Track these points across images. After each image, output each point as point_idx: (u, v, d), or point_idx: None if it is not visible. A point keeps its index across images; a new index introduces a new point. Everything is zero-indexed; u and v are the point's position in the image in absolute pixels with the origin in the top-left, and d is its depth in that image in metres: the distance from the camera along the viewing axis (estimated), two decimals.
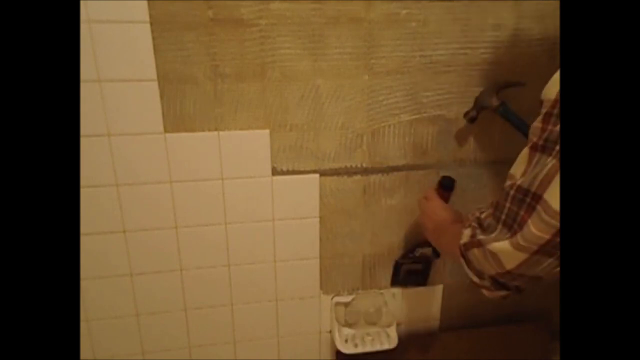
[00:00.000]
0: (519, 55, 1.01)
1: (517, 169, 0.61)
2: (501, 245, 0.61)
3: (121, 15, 0.85)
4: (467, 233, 0.70)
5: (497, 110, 0.97)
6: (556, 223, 0.54)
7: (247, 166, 0.99)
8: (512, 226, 0.60)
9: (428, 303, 1.21)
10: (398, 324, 1.17)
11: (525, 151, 0.60)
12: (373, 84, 0.99)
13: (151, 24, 0.87)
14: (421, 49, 0.98)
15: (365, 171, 1.05)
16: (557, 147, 0.54)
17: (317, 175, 1.03)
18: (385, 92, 1.00)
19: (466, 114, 1.01)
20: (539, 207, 0.56)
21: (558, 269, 0.60)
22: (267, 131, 0.98)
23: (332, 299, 1.15)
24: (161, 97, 0.92)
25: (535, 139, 0.58)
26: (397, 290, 1.17)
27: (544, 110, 0.58)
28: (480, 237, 0.65)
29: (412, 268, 1.14)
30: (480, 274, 0.69)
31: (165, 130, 0.94)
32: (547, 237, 0.56)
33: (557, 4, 0.97)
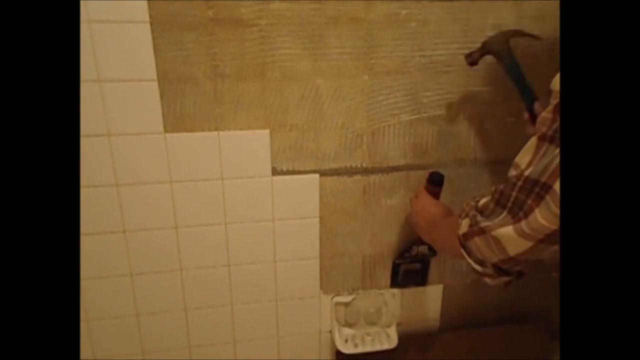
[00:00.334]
0: (519, 56, 1.01)
1: (523, 158, 0.60)
2: (505, 231, 0.61)
3: (121, 15, 0.85)
4: (465, 223, 0.70)
5: (503, 60, 0.90)
6: None
7: (247, 166, 0.99)
8: (518, 213, 0.60)
9: (428, 303, 1.21)
10: (398, 324, 1.17)
11: (533, 140, 0.59)
12: (373, 84, 0.99)
13: (151, 24, 0.87)
14: (421, 49, 0.98)
15: (365, 171, 1.05)
16: None
17: (317, 175, 1.03)
18: (385, 92, 1.00)
19: (468, 55, 0.93)
20: (547, 197, 0.56)
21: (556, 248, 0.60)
22: (267, 131, 0.98)
23: (332, 299, 1.15)
24: (161, 97, 0.92)
25: (544, 129, 0.57)
26: (397, 290, 1.17)
27: (554, 101, 0.57)
28: (483, 224, 0.65)
29: (410, 268, 1.14)
30: (481, 263, 0.69)
31: (165, 130, 0.94)
32: (553, 227, 0.56)
33: (557, 4, 0.97)
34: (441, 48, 0.98)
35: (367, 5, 0.93)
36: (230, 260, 1.06)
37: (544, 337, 1.22)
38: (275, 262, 1.09)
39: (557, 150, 0.55)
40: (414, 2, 0.94)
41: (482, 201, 0.69)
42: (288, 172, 1.02)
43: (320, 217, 1.07)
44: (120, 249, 1.01)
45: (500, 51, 0.90)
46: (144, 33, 0.87)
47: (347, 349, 1.12)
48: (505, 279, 0.70)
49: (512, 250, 0.62)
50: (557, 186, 0.55)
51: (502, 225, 0.62)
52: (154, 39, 0.88)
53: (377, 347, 1.12)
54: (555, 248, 0.59)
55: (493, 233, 0.63)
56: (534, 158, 0.59)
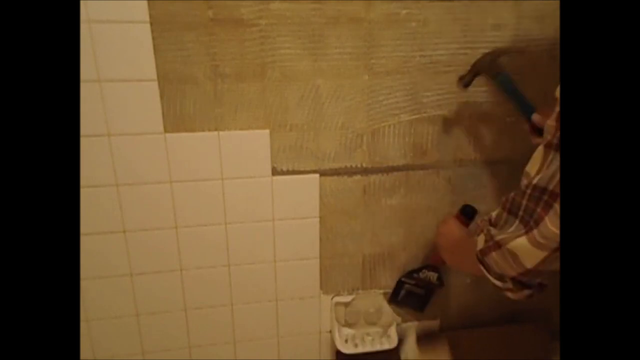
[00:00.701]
0: (519, 55, 1.01)
1: (533, 167, 0.61)
2: (520, 242, 0.61)
3: (121, 15, 0.85)
4: (481, 239, 0.70)
5: (495, 78, 0.91)
6: None
7: (247, 166, 0.99)
8: (529, 222, 0.60)
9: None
10: (398, 324, 1.17)
11: (540, 149, 0.60)
12: (373, 84, 0.99)
13: (151, 24, 0.87)
14: (421, 49, 0.98)
15: (365, 171, 1.05)
16: None
17: (317, 175, 1.03)
18: (385, 92, 1.00)
19: (461, 79, 0.95)
20: (556, 205, 0.56)
21: None
22: (267, 131, 0.98)
23: (332, 299, 1.15)
24: (161, 97, 0.92)
25: (549, 137, 0.58)
26: None
27: (558, 109, 0.57)
28: (498, 237, 0.65)
29: (413, 290, 1.13)
30: (501, 278, 0.69)
31: (165, 130, 0.94)
32: None
33: (557, 4, 0.97)
34: (441, 48, 0.98)
35: (367, 5, 0.93)
36: (230, 260, 1.06)
37: (544, 337, 1.22)
38: (275, 262, 1.09)
39: None
40: (414, 2, 0.94)
41: (494, 213, 0.69)
42: (288, 172, 1.02)
43: (320, 217, 1.07)
44: (120, 249, 1.01)
45: (491, 70, 0.91)
46: (144, 33, 0.87)
47: (347, 349, 1.12)
48: (527, 292, 0.69)
49: (529, 263, 0.62)
50: None
51: (516, 236, 0.61)
52: (154, 39, 0.88)
53: (377, 347, 1.12)
54: None
55: (508, 246, 0.63)
56: (542, 166, 0.59)
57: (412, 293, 1.13)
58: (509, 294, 0.71)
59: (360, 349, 1.12)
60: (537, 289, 0.69)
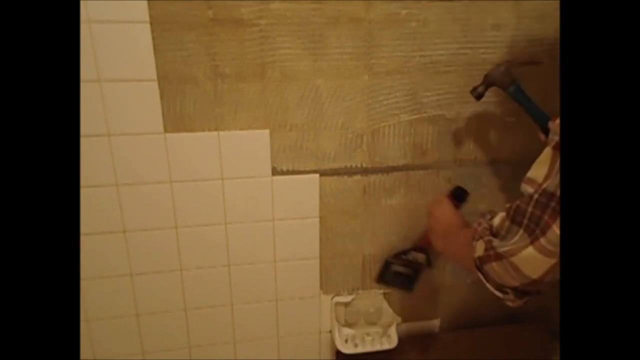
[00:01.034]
0: (519, 55, 1.01)
1: (539, 171, 0.59)
2: (526, 254, 0.59)
3: (121, 15, 0.85)
4: (480, 246, 0.68)
5: (507, 90, 0.90)
6: None
7: (247, 166, 0.99)
8: (535, 231, 0.58)
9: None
10: (398, 324, 1.17)
11: (548, 151, 0.58)
12: (373, 84, 0.99)
13: (151, 24, 0.87)
14: (421, 49, 0.98)
15: (365, 171, 1.05)
16: None
17: (317, 175, 1.03)
18: (385, 92, 1.00)
19: (473, 90, 0.93)
20: None
21: None
22: (267, 131, 0.98)
23: (332, 299, 1.15)
24: (161, 97, 0.92)
25: (557, 139, 0.56)
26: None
27: None
28: (501, 249, 0.63)
29: (400, 270, 1.12)
30: (500, 288, 0.67)
31: (165, 130, 0.94)
32: None
33: (557, 4, 0.97)
34: (441, 48, 0.98)
35: (367, 5, 0.93)
36: (230, 260, 1.06)
37: (544, 337, 1.22)
38: (275, 262, 1.09)
39: None
40: (414, 2, 0.94)
41: (496, 221, 0.67)
42: (288, 172, 1.02)
43: (320, 217, 1.07)
44: (120, 249, 1.01)
45: (504, 82, 0.89)
46: (144, 33, 0.87)
47: (347, 349, 1.12)
48: (525, 299, 0.69)
49: (535, 273, 0.60)
50: None
51: (521, 248, 0.60)
52: (154, 39, 0.88)
53: (377, 347, 1.12)
54: None
55: (512, 259, 0.61)
56: (552, 169, 0.57)
57: (399, 273, 1.11)
58: (509, 303, 0.70)
59: (360, 349, 1.12)
60: (535, 295, 0.68)
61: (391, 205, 1.09)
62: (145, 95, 0.91)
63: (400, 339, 1.13)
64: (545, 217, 0.56)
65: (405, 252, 1.10)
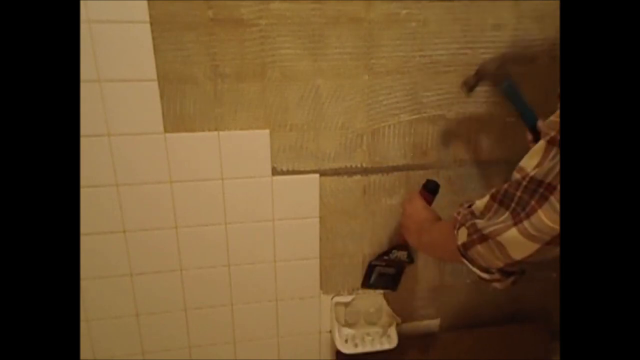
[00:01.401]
0: (519, 55, 1.01)
1: (530, 162, 0.60)
2: (510, 234, 0.60)
3: (121, 15, 0.85)
4: (462, 232, 0.69)
5: (499, 84, 0.89)
6: None
7: (247, 166, 0.99)
8: (520, 214, 0.59)
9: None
10: (398, 324, 1.17)
11: (542, 144, 0.59)
12: (373, 84, 0.99)
13: (151, 24, 0.87)
14: (421, 49, 0.98)
15: (365, 171, 1.05)
16: None
17: (317, 175, 1.03)
18: (385, 92, 1.00)
19: (465, 83, 0.92)
20: (552, 198, 0.56)
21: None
22: (267, 131, 0.98)
23: (332, 299, 1.15)
24: (161, 97, 0.92)
25: (553, 133, 0.57)
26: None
27: None
28: (487, 230, 0.64)
29: (384, 271, 1.12)
30: (486, 270, 0.69)
31: (165, 130, 0.94)
32: (559, 228, 0.56)
33: (557, 4, 0.97)
34: (441, 48, 0.98)
35: (367, 5, 0.93)
36: (230, 260, 1.06)
37: (544, 337, 1.22)
38: (275, 262, 1.09)
39: None
40: (414, 2, 0.94)
41: (479, 205, 0.68)
42: (288, 172, 1.02)
43: (320, 217, 1.07)
44: (120, 249, 1.01)
45: (496, 76, 0.89)
46: (144, 33, 0.87)
47: (347, 349, 1.12)
48: (511, 278, 0.70)
49: (518, 254, 0.62)
50: None
51: (505, 228, 0.61)
52: (154, 39, 0.88)
53: (377, 347, 1.12)
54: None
55: (498, 239, 0.62)
56: (543, 161, 0.58)
57: (383, 274, 1.13)
58: (496, 284, 0.71)
59: (360, 349, 1.12)
60: (519, 274, 0.70)
61: (391, 205, 1.09)
62: (145, 95, 0.91)
63: (400, 339, 1.13)
64: (532, 202, 0.58)
65: (387, 253, 1.10)
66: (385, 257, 1.11)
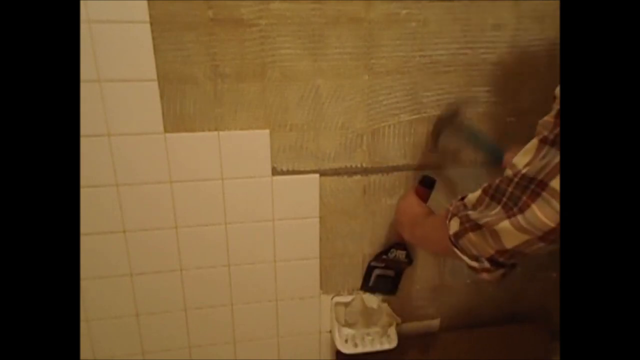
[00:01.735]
0: (519, 55, 1.01)
1: (522, 159, 0.61)
2: (503, 226, 0.62)
3: (121, 15, 0.85)
4: (454, 222, 0.70)
5: (459, 133, 0.96)
6: None
7: (247, 166, 0.99)
8: (512, 208, 0.61)
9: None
10: (398, 324, 1.17)
11: (534, 142, 0.60)
12: (373, 84, 0.99)
13: (151, 24, 0.87)
14: (421, 49, 0.98)
15: (365, 171, 1.05)
16: None
17: (317, 175, 1.03)
18: (385, 92, 1.00)
19: (427, 145, 1.01)
20: (544, 194, 0.56)
21: (551, 248, 0.60)
22: (267, 131, 0.98)
23: (332, 299, 1.15)
24: (161, 97, 0.92)
25: (546, 133, 0.58)
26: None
27: (557, 107, 0.58)
28: (482, 221, 0.65)
29: (383, 274, 1.12)
30: (477, 258, 0.70)
31: (165, 130, 0.94)
32: (552, 225, 0.57)
33: (557, 4, 0.97)
34: (441, 48, 0.98)
35: (367, 5, 0.93)
36: (230, 260, 1.06)
37: (544, 337, 1.23)
38: (275, 262, 1.09)
39: (558, 153, 0.56)
40: (414, 2, 0.94)
41: (471, 198, 0.69)
42: (288, 172, 1.02)
43: (320, 217, 1.07)
44: (120, 249, 1.01)
45: (453, 126, 0.95)
46: (144, 33, 0.87)
47: (347, 349, 1.12)
48: (501, 271, 0.71)
49: (509, 243, 0.63)
50: (554, 183, 0.55)
51: (498, 220, 0.62)
52: (154, 39, 0.88)
53: (377, 347, 1.12)
54: (551, 247, 0.60)
55: (495, 227, 0.63)
56: (534, 159, 0.59)
57: (382, 276, 1.13)
58: (485, 275, 0.72)
59: (360, 349, 1.12)
60: (509, 268, 0.71)
61: (391, 205, 1.09)
62: (145, 95, 0.91)
63: (400, 339, 1.13)
64: (524, 198, 0.59)
65: (386, 252, 1.10)
66: (384, 257, 1.11)
